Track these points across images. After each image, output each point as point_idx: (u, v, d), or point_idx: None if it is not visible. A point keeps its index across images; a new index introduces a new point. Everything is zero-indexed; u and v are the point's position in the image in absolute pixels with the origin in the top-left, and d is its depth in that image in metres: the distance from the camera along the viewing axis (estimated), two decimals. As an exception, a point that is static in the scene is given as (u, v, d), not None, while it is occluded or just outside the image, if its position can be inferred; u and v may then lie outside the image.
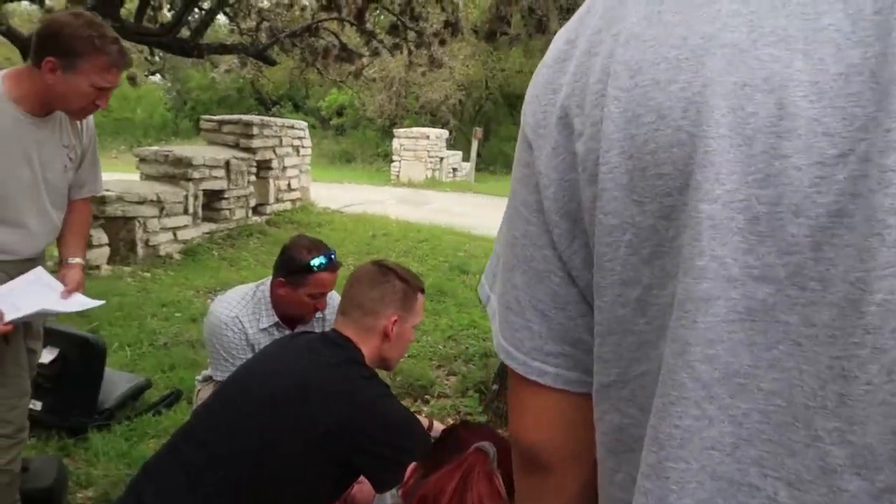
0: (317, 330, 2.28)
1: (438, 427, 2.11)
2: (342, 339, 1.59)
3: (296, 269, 2.11)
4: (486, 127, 16.98)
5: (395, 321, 1.61)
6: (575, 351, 0.54)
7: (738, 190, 0.41)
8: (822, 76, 0.39)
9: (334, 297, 2.44)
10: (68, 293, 1.97)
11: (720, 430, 0.43)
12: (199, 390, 2.43)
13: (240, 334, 2.14)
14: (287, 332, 2.19)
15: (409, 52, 6.02)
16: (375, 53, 6.15)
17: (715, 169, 0.42)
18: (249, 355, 2.04)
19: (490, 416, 3.19)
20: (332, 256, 2.17)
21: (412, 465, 1.15)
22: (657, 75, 0.44)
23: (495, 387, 3.21)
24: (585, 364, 0.54)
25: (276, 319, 2.22)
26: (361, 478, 1.61)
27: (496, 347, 0.59)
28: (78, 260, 2.06)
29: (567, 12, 2.75)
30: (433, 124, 15.95)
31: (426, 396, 3.43)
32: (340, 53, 6.08)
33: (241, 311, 2.19)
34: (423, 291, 1.73)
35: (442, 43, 6.23)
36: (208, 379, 2.42)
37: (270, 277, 2.24)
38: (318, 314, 2.33)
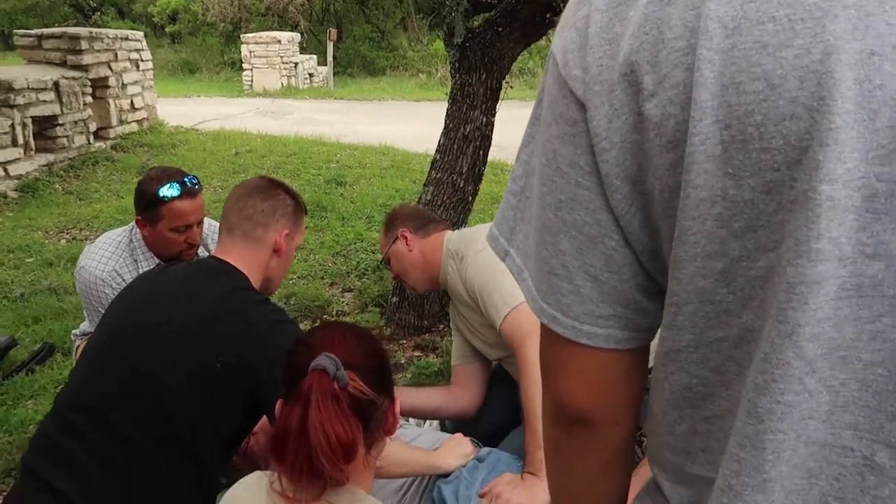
0: None
1: None
2: (223, 265, 1.48)
3: (146, 203, 1.93)
4: (339, 27, 16.12)
5: (286, 234, 1.55)
6: (627, 311, 0.53)
7: (857, 168, 0.39)
8: None
9: (213, 227, 2.25)
10: None
11: (818, 400, 0.44)
12: (78, 346, 2.23)
13: (119, 289, 1.93)
14: None
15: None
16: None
17: (839, 147, 0.39)
18: None
19: (393, 328, 3.20)
20: (189, 181, 1.97)
21: (279, 403, 1.04)
22: (763, 37, 0.40)
23: (395, 299, 3.21)
24: (636, 322, 0.54)
25: (157, 260, 2.04)
26: (256, 429, 1.54)
27: (535, 311, 0.56)
28: None
29: None
30: (281, 27, 14.88)
31: (325, 316, 3.37)
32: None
33: (116, 262, 2.00)
34: (305, 212, 1.68)
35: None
36: (88, 334, 2.22)
37: None
38: (202, 251, 2.16)
